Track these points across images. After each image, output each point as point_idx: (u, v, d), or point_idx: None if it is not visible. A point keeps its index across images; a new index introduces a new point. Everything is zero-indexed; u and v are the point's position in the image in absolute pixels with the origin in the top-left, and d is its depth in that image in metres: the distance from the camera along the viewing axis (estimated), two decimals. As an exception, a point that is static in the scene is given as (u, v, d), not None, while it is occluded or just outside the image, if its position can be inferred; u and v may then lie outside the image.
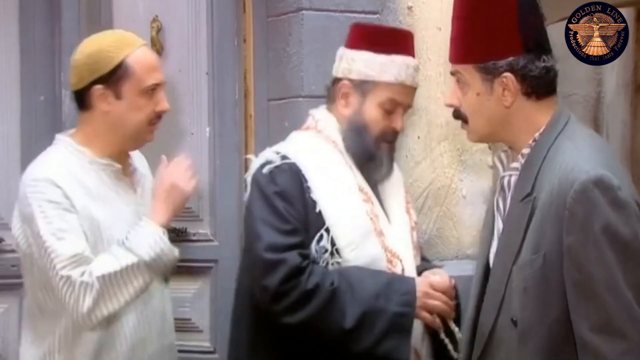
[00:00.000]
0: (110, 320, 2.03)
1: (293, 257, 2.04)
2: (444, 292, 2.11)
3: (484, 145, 2.99)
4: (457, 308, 2.20)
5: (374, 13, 2.78)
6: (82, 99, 2.07)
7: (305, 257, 2.07)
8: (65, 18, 2.85)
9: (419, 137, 2.95)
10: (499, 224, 1.95)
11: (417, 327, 2.16)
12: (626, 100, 6.04)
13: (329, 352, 2.07)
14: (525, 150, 1.89)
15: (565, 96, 7.31)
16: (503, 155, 2.00)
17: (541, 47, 1.90)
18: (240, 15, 2.96)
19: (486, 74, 1.89)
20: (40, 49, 2.88)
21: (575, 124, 1.91)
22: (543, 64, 1.88)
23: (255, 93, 2.96)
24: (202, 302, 2.94)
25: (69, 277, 1.93)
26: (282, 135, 2.54)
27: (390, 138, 2.21)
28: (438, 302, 2.11)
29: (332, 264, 2.10)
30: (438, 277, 2.15)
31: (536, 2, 1.91)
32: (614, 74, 6.50)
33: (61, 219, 1.96)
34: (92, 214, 2.01)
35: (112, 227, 2.04)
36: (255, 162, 2.18)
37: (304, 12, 2.74)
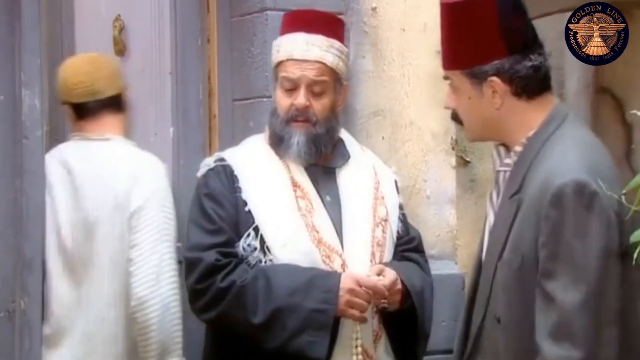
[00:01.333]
0: None
1: (209, 256, 2.09)
2: (372, 289, 2.09)
3: (448, 146, 3.01)
4: (412, 307, 2.18)
5: (339, 14, 2.78)
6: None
7: (226, 255, 2.10)
8: (25, 17, 2.79)
9: (383, 138, 2.95)
10: (490, 219, 1.96)
11: (366, 326, 2.16)
12: (587, 102, 6.10)
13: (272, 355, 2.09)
14: (518, 148, 1.90)
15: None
16: (501, 149, 1.98)
17: (527, 46, 1.91)
18: (204, 15, 2.94)
19: (473, 78, 1.91)
20: (-1, 48, 2.85)
21: (571, 124, 1.91)
22: (530, 64, 1.89)
23: (219, 93, 2.94)
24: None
25: None
26: (246, 136, 2.54)
27: (297, 116, 2.20)
28: (363, 299, 2.09)
29: (265, 261, 2.13)
30: (377, 273, 2.13)
31: (519, 2, 1.92)
32: (575, 76, 6.56)
33: None
34: None
35: None
36: (200, 166, 2.27)
37: (268, 12, 2.73)
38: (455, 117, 2.01)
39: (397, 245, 2.32)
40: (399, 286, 2.15)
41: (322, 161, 2.27)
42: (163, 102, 2.96)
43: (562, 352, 1.68)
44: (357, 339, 2.14)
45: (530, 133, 1.89)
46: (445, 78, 2.00)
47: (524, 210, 1.81)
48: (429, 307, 2.25)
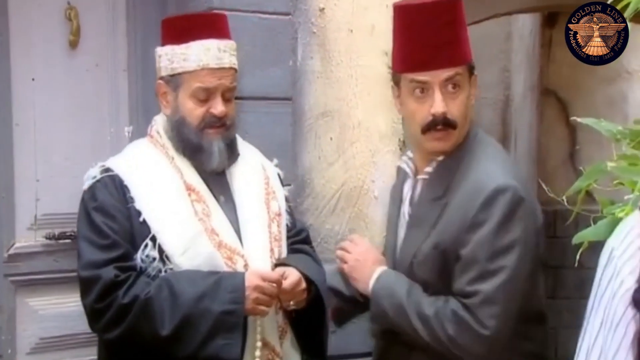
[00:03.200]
0: None
1: (107, 273, 2.01)
2: (275, 282, 2.07)
3: (395, 147, 3.03)
4: (318, 299, 2.17)
5: (286, 14, 2.77)
6: None
7: (125, 270, 2.03)
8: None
9: (331, 139, 2.95)
10: (403, 222, 2.10)
11: (271, 322, 2.15)
12: (532, 103, 6.20)
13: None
14: (440, 157, 2.02)
15: (476, 99, 7.48)
16: (410, 162, 2.11)
17: None
18: (164, 11, 2.86)
19: (470, 72, 1.99)
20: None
21: (484, 135, 2.07)
22: None
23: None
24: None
25: None
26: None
27: (214, 123, 2.14)
28: (269, 294, 2.07)
29: (165, 270, 2.06)
30: (282, 271, 2.11)
31: None
32: (521, 77, 6.67)
33: None
34: None
35: None
36: (84, 178, 2.15)
37: (215, 11, 2.71)
38: (449, 123, 1.96)
39: (288, 238, 2.29)
40: (304, 285, 2.13)
41: (194, 164, 2.21)
42: (118, 100, 2.87)
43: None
44: (258, 333, 2.12)
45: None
46: (447, 79, 1.95)
47: (449, 212, 1.95)
48: (327, 299, 2.23)
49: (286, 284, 2.09)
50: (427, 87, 1.97)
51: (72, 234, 2.73)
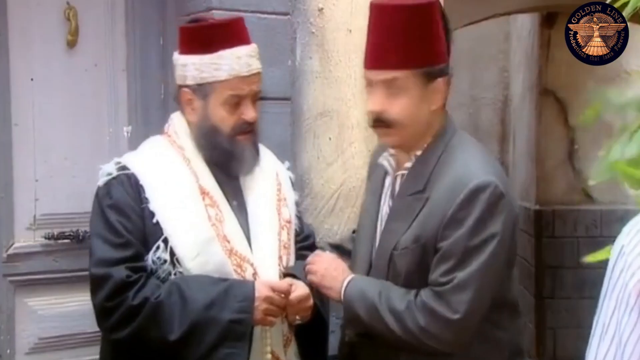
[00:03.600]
0: None
1: (119, 272, 2.00)
2: (284, 293, 2.08)
3: (394, 147, 3.02)
4: (318, 310, 2.18)
5: (285, 14, 2.78)
6: None
7: (136, 270, 2.02)
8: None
9: (330, 139, 2.95)
10: (383, 214, 2.15)
11: (277, 331, 2.15)
12: (531, 103, 6.20)
13: None
14: (418, 152, 2.08)
15: (475, 99, 7.48)
16: (391, 159, 2.16)
17: (449, 53, 2.07)
18: (163, 12, 2.87)
19: (424, 78, 2.02)
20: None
21: (461, 132, 2.13)
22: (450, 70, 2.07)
23: (165, 93, 2.91)
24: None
25: None
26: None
27: (245, 129, 2.15)
28: (278, 306, 2.07)
29: (175, 274, 2.06)
30: (293, 282, 2.12)
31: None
32: (520, 77, 6.67)
33: None
34: None
35: None
36: (100, 174, 2.13)
37: (213, 12, 2.71)
38: (379, 121, 2.05)
39: (295, 243, 2.30)
40: (311, 302, 2.14)
41: (225, 171, 2.21)
42: (117, 99, 2.87)
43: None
44: (268, 345, 2.12)
45: (430, 139, 2.07)
46: (384, 81, 2.02)
47: (430, 206, 2.01)
48: (328, 307, 2.25)
49: (293, 296, 2.09)
50: (371, 85, 2.06)
51: (71, 234, 2.74)
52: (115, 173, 2.10)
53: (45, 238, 2.73)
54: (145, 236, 2.06)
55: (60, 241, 2.74)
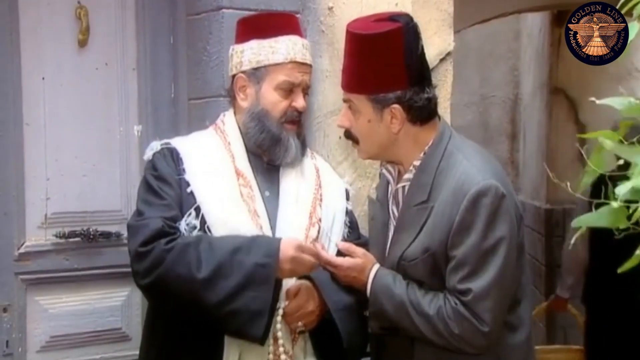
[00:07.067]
0: None
1: (156, 222, 2.12)
2: (314, 255, 2.14)
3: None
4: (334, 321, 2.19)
5: (295, 13, 2.77)
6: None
7: (172, 227, 2.13)
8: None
9: (340, 138, 2.95)
10: (391, 227, 2.22)
11: (284, 325, 2.18)
12: (542, 102, 6.18)
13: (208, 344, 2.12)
14: (416, 162, 2.16)
15: (485, 98, 7.47)
16: (391, 168, 2.25)
17: (424, 79, 2.16)
18: (174, 11, 2.86)
19: (376, 104, 2.13)
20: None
21: (457, 137, 2.19)
22: (426, 96, 2.13)
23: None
24: (132, 309, 2.87)
25: None
26: (202, 135, 2.50)
27: (294, 118, 2.26)
28: (306, 265, 2.13)
29: None
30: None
31: (419, 35, 2.15)
32: (530, 76, 6.66)
33: None
34: None
35: None
36: (146, 151, 2.32)
37: (224, 10, 2.71)
38: (349, 136, 2.21)
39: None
40: (311, 307, 2.18)
41: (268, 157, 2.31)
42: (127, 98, 2.86)
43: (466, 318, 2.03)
44: (278, 331, 2.17)
45: (426, 148, 2.15)
46: (345, 100, 2.18)
47: (435, 216, 2.08)
48: (344, 322, 2.21)
49: (293, 304, 2.16)
50: (344, 101, 2.21)
51: (82, 232, 2.75)
52: (159, 148, 2.27)
53: (56, 237, 2.74)
54: (181, 204, 2.18)
55: (71, 240, 2.75)
